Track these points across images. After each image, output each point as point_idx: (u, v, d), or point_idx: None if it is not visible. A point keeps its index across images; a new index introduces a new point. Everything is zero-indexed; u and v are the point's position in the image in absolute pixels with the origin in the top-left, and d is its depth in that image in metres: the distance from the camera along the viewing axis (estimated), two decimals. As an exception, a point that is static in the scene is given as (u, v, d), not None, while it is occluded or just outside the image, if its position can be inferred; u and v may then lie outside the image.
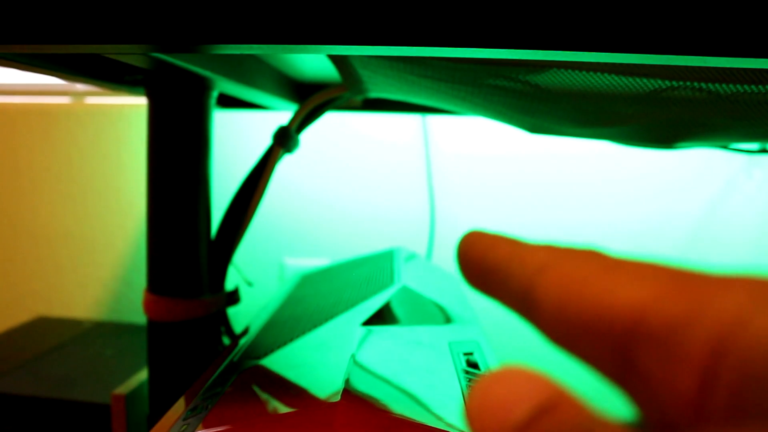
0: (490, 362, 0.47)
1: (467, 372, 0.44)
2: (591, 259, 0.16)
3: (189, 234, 0.59)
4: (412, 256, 0.77)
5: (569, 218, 1.08)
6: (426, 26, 0.32)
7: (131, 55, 0.50)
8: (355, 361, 0.43)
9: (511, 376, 0.14)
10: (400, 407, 0.36)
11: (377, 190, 1.11)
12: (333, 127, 1.10)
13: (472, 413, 0.14)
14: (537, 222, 1.09)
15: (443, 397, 0.38)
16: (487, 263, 0.18)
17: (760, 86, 0.45)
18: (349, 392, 0.37)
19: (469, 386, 0.41)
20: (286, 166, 1.12)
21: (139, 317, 1.20)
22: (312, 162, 1.12)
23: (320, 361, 0.43)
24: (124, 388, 0.67)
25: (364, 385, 0.39)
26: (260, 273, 1.15)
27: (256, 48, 0.35)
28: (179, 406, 0.41)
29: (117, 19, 0.35)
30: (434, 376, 0.41)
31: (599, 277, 0.15)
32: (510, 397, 0.13)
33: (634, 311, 0.14)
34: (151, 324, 0.61)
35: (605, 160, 1.06)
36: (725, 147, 0.99)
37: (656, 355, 0.13)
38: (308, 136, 1.09)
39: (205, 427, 0.35)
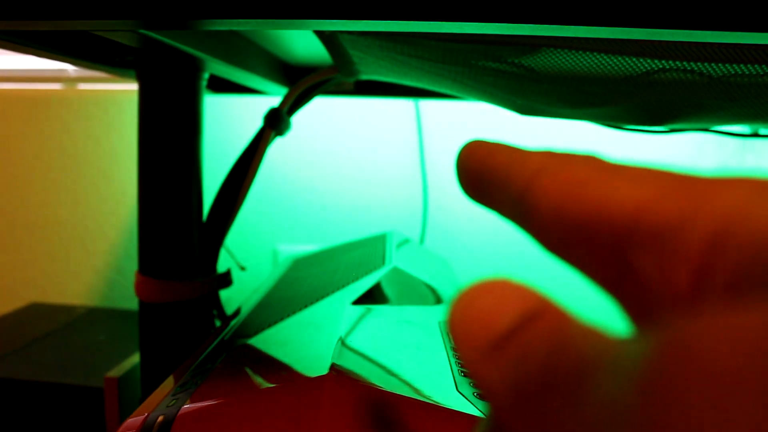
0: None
1: (456, 349, 0.44)
2: (589, 162, 0.16)
3: (180, 216, 0.59)
4: (405, 240, 0.77)
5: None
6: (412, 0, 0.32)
7: (120, 33, 0.49)
8: (343, 339, 0.43)
9: (494, 287, 0.13)
10: (389, 383, 0.36)
11: (370, 175, 1.11)
12: (326, 112, 1.10)
13: (454, 323, 0.14)
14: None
15: (433, 373, 0.39)
16: (486, 169, 0.18)
17: (750, 66, 0.45)
18: (337, 368, 0.37)
19: (458, 362, 0.41)
20: (279, 151, 1.12)
21: (131, 303, 1.20)
22: (306, 148, 1.12)
23: (309, 339, 0.43)
24: (116, 371, 0.67)
25: (352, 362, 0.39)
26: (253, 258, 1.15)
27: (243, 23, 0.35)
28: (168, 383, 0.41)
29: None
30: (424, 353, 0.42)
31: (597, 179, 0.15)
32: (493, 306, 0.13)
33: (632, 211, 0.14)
34: (143, 306, 0.61)
35: (597, 145, 1.06)
36: (717, 131, 1.00)
37: (654, 253, 0.13)
38: (302, 122, 1.09)
39: (193, 401, 0.35)
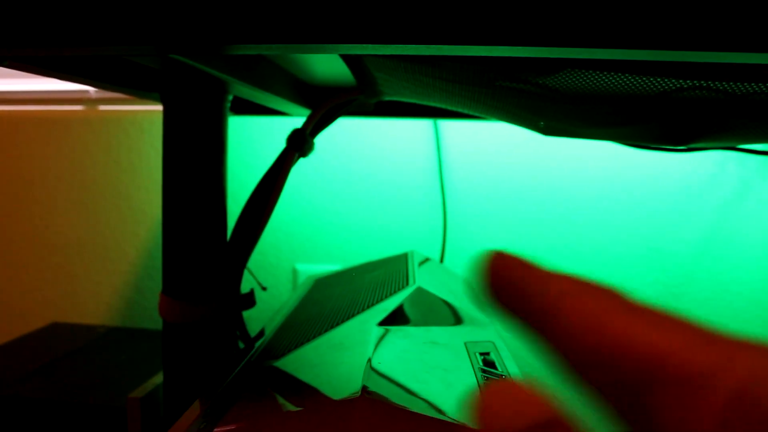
0: (507, 363, 0.47)
1: (484, 371, 0.44)
2: (611, 295, 0.17)
3: (204, 238, 0.59)
4: (426, 259, 0.77)
5: (583, 222, 1.08)
6: (437, 25, 0.32)
7: (146, 57, 0.50)
8: (371, 361, 0.43)
9: (511, 392, 0.15)
10: (417, 405, 0.36)
11: (389, 195, 1.11)
12: (346, 132, 1.10)
13: (477, 424, 0.15)
14: (551, 227, 1.09)
15: (460, 394, 0.38)
16: (512, 282, 0.19)
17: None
18: (367, 390, 0.37)
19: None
20: (297, 170, 1.12)
21: (152, 323, 1.21)
22: (325, 167, 1.12)
23: (337, 361, 0.43)
24: (139, 391, 0.67)
25: (381, 385, 0.39)
26: (272, 278, 1.15)
27: (273, 48, 0.35)
28: (195, 408, 0.41)
29: (133, 21, 0.35)
30: (451, 375, 0.41)
31: (621, 315, 0.16)
32: (509, 413, 0.14)
33: (659, 354, 0.15)
34: (166, 326, 0.61)
35: (619, 162, 1.06)
36: (738, 149, 0.99)
37: (678, 397, 0.14)
38: (322, 142, 1.10)
39: (223, 426, 0.35)
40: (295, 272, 1.14)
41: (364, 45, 0.34)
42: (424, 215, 1.10)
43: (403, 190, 1.11)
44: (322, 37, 0.34)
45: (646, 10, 0.31)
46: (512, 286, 0.19)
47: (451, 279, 0.71)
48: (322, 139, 1.10)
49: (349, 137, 1.11)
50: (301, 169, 1.12)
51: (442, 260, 1.08)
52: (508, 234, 1.09)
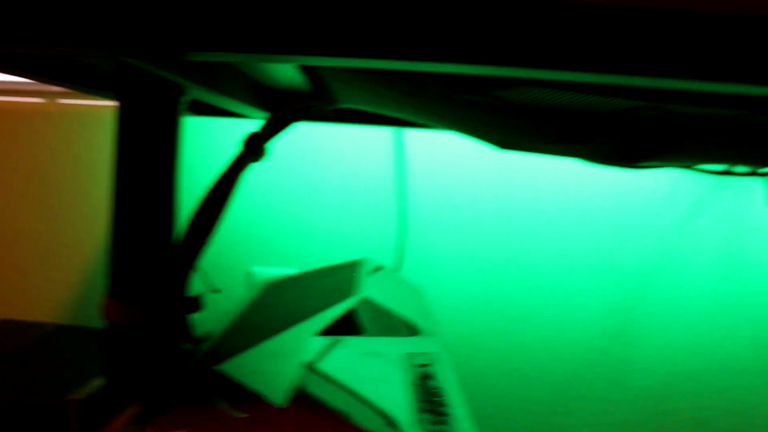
0: (445, 374, 0.48)
1: (418, 384, 0.44)
2: None
3: (150, 240, 0.59)
4: (379, 267, 0.77)
5: (540, 234, 1.09)
6: (396, 41, 0.33)
7: (101, 59, 0.50)
8: (308, 370, 0.43)
9: None
10: (351, 414, 0.36)
11: (348, 200, 1.11)
12: (309, 137, 1.10)
13: None
14: (509, 238, 1.10)
15: (392, 407, 0.39)
16: None
17: (726, 110, 0.47)
18: (300, 399, 0.37)
19: (420, 398, 0.42)
20: (257, 173, 1.12)
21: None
22: (285, 170, 1.12)
23: (274, 369, 0.43)
24: (80, 392, 0.67)
25: (316, 393, 0.39)
26: (228, 280, 1.14)
27: (227, 56, 0.36)
28: (132, 409, 0.41)
29: (88, 25, 0.35)
30: (385, 386, 0.42)
31: None
32: None
33: None
34: (109, 328, 0.61)
35: (577, 177, 1.08)
36: (693, 168, 1.01)
37: None
38: (285, 145, 1.10)
39: (157, 429, 0.35)
40: (250, 274, 1.14)
41: (319, 57, 0.34)
42: (384, 222, 1.11)
43: (364, 196, 1.11)
44: (277, 48, 0.34)
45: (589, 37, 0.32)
46: None
47: (401, 288, 0.72)
48: (285, 143, 1.10)
49: (312, 142, 1.11)
50: (261, 171, 1.12)
51: (399, 268, 1.08)
52: (467, 243, 1.10)
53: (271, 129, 0.65)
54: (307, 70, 0.51)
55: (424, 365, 0.49)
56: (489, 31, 0.33)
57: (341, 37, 0.34)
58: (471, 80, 0.46)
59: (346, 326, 0.55)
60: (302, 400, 0.37)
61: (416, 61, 0.34)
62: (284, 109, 0.64)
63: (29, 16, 0.35)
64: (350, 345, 0.50)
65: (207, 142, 1.13)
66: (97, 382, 0.71)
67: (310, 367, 0.44)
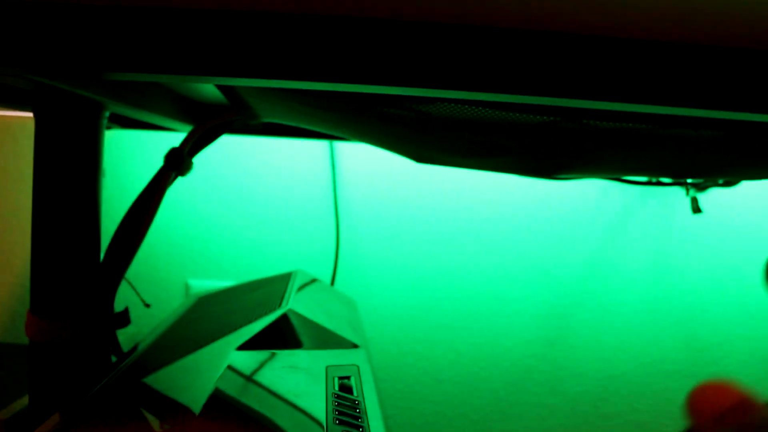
0: (365, 387, 0.48)
1: (337, 395, 0.44)
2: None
3: (72, 256, 0.58)
4: (311, 280, 0.77)
5: (474, 243, 1.11)
6: (302, 62, 0.33)
7: (14, 78, 0.49)
8: (218, 388, 0.43)
9: (720, 386, 0.25)
10: (273, 420, 0.37)
11: (285, 213, 1.11)
12: (244, 149, 1.10)
13: (693, 406, 0.26)
14: (443, 248, 1.11)
15: (304, 421, 0.39)
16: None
17: (639, 125, 0.48)
18: (208, 414, 0.37)
19: (337, 409, 0.42)
20: (192, 184, 1.11)
21: (37, 338, 1.17)
22: (221, 182, 1.12)
23: (189, 384, 0.43)
24: (4, 412, 0.65)
25: (228, 411, 0.39)
26: (164, 292, 1.13)
27: (142, 76, 0.36)
28: (52, 421, 0.41)
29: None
30: (300, 400, 0.42)
31: None
32: (719, 397, 0.24)
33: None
34: (33, 345, 0.60)
35: (509, 187, 1.10)
36: (619, 179, 1.04)
37: None
38: (221, 158, 1.09)
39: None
40: (187, 287, 1.13)
41: (231, 78, 0.35)
42: (319, 233, 1.11)
43: (299, 208, 1.11)
44: (189, 69, 0.34)
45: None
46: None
47: (331, 300, 0.72)
48: (220, 155, 1.09)
49: (247, 154, 1.11)
50: (197, 183, 1.11)
51: (333, 279, 1.09)
52: (401, 253, 1.11)
53: (194, 143, 0.64)
54: (222, 87, 0.51)
55: (345, 377, 0.49)
56: (399, 52, 0.34)
57: (249, 59, 0.34)
58: (385, 95, 0.46)
59: (275, 339, 0.56)
60: (226, 410, 0.37)
61: (322, 81, 0.34)
62: (206, 124, 0.64)
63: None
64: (272, 359, 0.50)
65: (136, 154, 1.11)
66: (23, 401, 0.70)
67: (231, 378, 0.44)
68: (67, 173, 0.57)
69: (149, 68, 0.34)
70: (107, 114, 0.61)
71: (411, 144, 0.58)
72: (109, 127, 0.91)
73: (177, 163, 0.63)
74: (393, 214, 1.11)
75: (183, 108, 0.75)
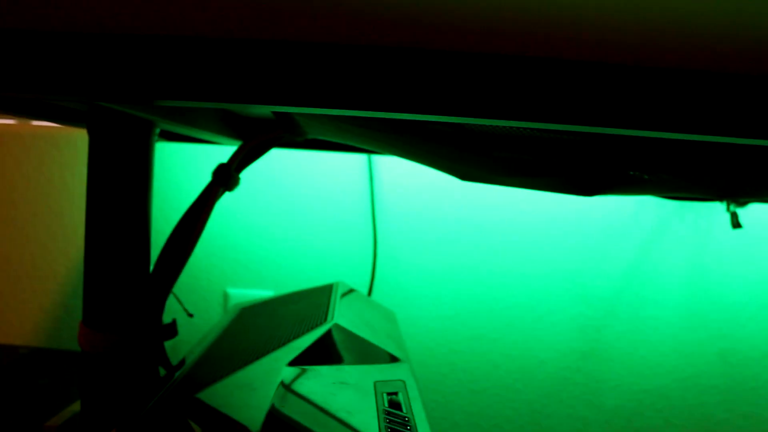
0: (413, 403, 0.49)
1: (387, 412, 0.45)
2: None
3: (126, 271, 0.60)
4: (350, 291, 0.78)
5: (510, 255, 1.11)
6: (356, 93, 0.35)
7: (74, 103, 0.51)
8: (277, 398, 0.44)
9: None
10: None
11: (323, 223, 1.13)
12: (284, 161, 1.12)
13: None
14: (480, 260, 1.11)
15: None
16: None
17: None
18: (275, 425, 0.38)
19: (389, 427, 0.43)
20: (234, 196, 1.13)
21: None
22: (260, 193, 1.13)
23: (243, 403, 0.44)
24: (56, 419, 0.67)
25: (284, 422, 0.40)
26: (203, 302, 1.15)
27: (198, 104, 0.37)
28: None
29: (63, 74, 0.36)
30: (354, 417, 0.43)
31: None
32: None
33: None
34: (86, 356, 0.61)
35: (546, 199, 1.10)
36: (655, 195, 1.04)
37: None
38: (261, 169, 1.11)
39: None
40: (226, 296, 1.14)
41: (286, 107, 0.36)
42: (356, 245, 1.12)
43: (337, 219, 1.12)
44: (241, 98, 0.36)
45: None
46: None
47: (372, 313, 0.73)
48: (260, 167, 1.11)
49: (288, 166, 1.12)
50: (237, 194, 1.13)
51: (370, 290, 1.10)
52: (437, 267, 1.12)
53: (242, 159, 0.66)
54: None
55: (393, 393, 0.50)
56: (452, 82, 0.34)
57: (301, 90, 0.35)
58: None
59: (323, 354, 0.57)
60: (275, 424, 0.38)
61: (381, 111, 0.35)
62: (254, 140, 0.65)
63: (9, 66, 0.37)
64: (322, 374, 0.51)
65: (182, 166, 1.13)
66: (73, 408, 0.71)
67: (285, 390, 0.45)
68: (119, 188, 0.59)
69: (218, 98, 0.35)
70: (157, 131, 0.63)
71: (455, 162, 0.59)
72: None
73: (225, 178, 0.64)
74: (430, 225, 1.11)
75: (228, 124, 0.77)
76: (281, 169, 1.12)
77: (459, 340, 1.13)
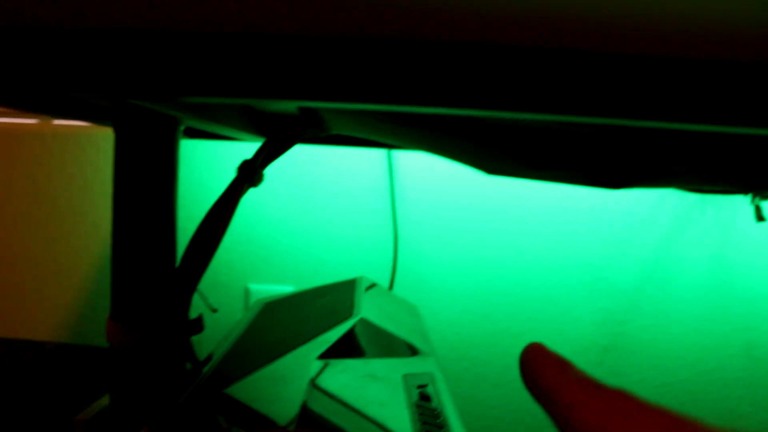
0: (443, 396, 0.49)
1: (419, 406, 0.45)
2: (617, 400, 0.20)
3: (152, 266, 0.60)
4: (373, 286, 0.78)
5: (531, 250, 1.11)
6: (384, 87, 0.35)
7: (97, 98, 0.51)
8: (312, 386, 0.44)
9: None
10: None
11: (343, 218, 1.13)
12: (304, 157, 1.12)
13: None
14: (500, 256, 1.11)
15: (396, 428, 0.40)
16: (537, 385, 0.24)
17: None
18: (306, 420, 0.38)
19: (421, 419, 0.43)
20: (254, 191, 1.13)
21: (103, 340, 1.20)
22: (280, 188, 1.14)
23: (278, 396, 0.45)
24: (85, 413, 0.68)
25: (320, 409, 0.40)
26: (225, 297, 1.16)
27: (226, 100, 0.37)
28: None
29: (93, 71, 0.37)
30: (386, 410, 0.43)
31: (623, 423, 0.19)
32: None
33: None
34: (113, 351, 0.62)
35: (565, 193, 1.09)
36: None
37: None
38: (280, 165, 1.11)
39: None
40: (247, 292, 1.15)
41: (313, 102, 0.36)
42: (377, 239, 1.12)
43: (357, 214, 1.13)
44: (267, 93, 0.36)
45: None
46: (538, 389, 0.24)
47: (395, 307, 0.73)
48: (280, 163, 1.11)
49: (307, 162, 1.13)
50: (256, 190, 1.13)
51: (392, 284, 1.10)
52: (459, 261, 1.12)
53: (266, 155, 0.66)
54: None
55: (422, 386, 0.50)
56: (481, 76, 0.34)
57: (326, 84, 0.35)
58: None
59: (351, 348, 0.57)
60: (308, 422, 0.38)
61: (405, 104, 0.35)
62: (278, 136, 0.65)
63: (38, 63, 0.37)
64: (351, 367, 0.51)
65: (204, 164, 1.14)
66: (102, 402, 0.72)
67: (315, 388, 0.45)
68: (146, 184, 0.60)
69: (252, 93, 0.35)
70: (182, 128, 0.64)
71: (480, 157, 0.59)
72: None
73: (250, 174, 0.64)
74: (449, 220, 1.11)
75: (251, 120, 0.77)
76: (300, 165, 1.13)
77: (480, 334, 1.13)
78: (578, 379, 0.22)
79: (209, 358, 0.64)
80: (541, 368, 0.23)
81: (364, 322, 0.60)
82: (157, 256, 0.61)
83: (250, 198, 1.13)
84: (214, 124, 0.64)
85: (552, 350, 0.24)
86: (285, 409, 0.42)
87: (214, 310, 0.81)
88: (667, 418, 0.19)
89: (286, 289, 1.13)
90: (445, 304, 1.13)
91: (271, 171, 1.12)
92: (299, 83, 0.36)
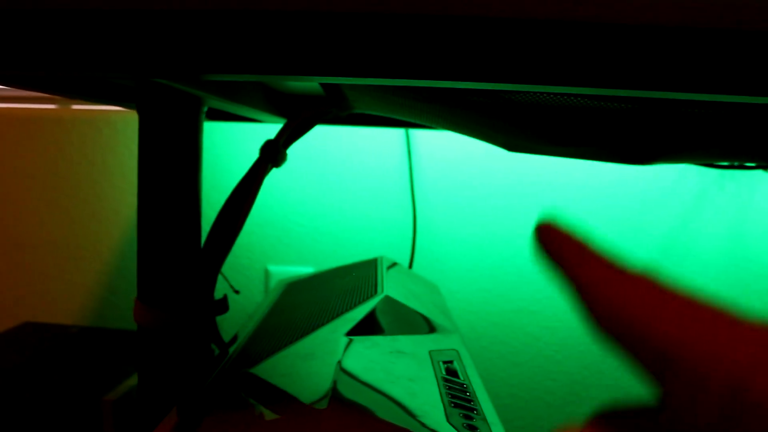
0: (469, 371, 0.49)
1: (446, 380, 0.46)
2: (642, 281, 0.19)
3: (178, 247, 0.61)
4: (394, 265, 0.79)
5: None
6: (409, 61, 0.35)
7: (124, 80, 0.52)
8: (340, 370, 0.45)
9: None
10: (384, 414, 0.38)
11: (361, 199, 1.13)
12: (321, 138, 1.12)
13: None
14: (518, 233, 1.12)
15: (424, 404, 0.41)
16: (555, 259, 0.22)
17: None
18: (335, 399, 0.39)
19: (449, 393, 0.44)
20: (273, 174, 1.14)
21: (125, 323, 1.22)
22: (298, 170, 1.14)
23: (308, 371, 0.45)
24: (113, 393, 0.69)
25: (349, 393, 0.41)
26: (244, 279, 1.17)
27: (250, 77, 0.38)
28: (172, 416, 0.43)
29: (118, 50, 0.37)
30: (415, 384, 0.44)
31: (648, 301, 0.19)
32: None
33: (675, 343, 0.17)
34: (141, 331, 0.63)
35: (583, 170, 1.09)
36: (698, 163, 1.03)
37: (681, 390, 0.17)
38: (297, 146, 1.12)
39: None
40: (267, 273, 1.16)
41: (337, 77, 0.36)
42: (395, 219, 1.13)
43: (375, 195, 1.13)
44: (296, 69, 0.36)
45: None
46: (557, 262, 0.22)
47: (417, 285, 0.73)
48: (298, 144, 1.12)
49: (325, 142, 1.13)
50: (275, 172, 1.14)
51: (411, 264, 1.10)
52: (477, 239, 1.12)
53: (289, 135, 0.66)
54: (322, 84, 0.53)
55: (448, 362, 0.50)
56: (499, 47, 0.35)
57: (351, 60, 0.35)
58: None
59: (377, 324, 0.57)
60: (335, 400, 0.39)
61: (428, 79, 0.35)
62: (301, 116, 0.66)
63: (66, 44, 0.37)
64: (378, 344, 0.52)
65: (226, 146, 1.14)
66: (129, 383, 0.73)
67: (341, 367, 0.46)
68: (171, 164, 0.60)
69: (282, 70, 0.36)
70: (205, 108, 0.64)
71: (500, 132, 0.59)
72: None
73: (273, 154, 0.65)
74: (468, 199, 1.12)
75: (272, 100, 0.77)
76: (319, 145, 1.13)
77: (499, 312, 1.14)
78: (600, 257, 0.21)
79: (235, 338, 0.64)
80: (562, 241, 0.22)
81: (389, 300, 0.60)
82: (182, 235, 0.61)
83: (268, 180, 1.14)
84: (237, 105, 0.65)
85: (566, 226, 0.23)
86: (312, 388, 0.43)
87: (237, 292, 0.82)
88: (694, 308, 0.18)
89: (306, 270, 1.14)
90: (464, 282, 1.13)
91: (290, 153, 1.13)
92: (325, 59, 0.36)
